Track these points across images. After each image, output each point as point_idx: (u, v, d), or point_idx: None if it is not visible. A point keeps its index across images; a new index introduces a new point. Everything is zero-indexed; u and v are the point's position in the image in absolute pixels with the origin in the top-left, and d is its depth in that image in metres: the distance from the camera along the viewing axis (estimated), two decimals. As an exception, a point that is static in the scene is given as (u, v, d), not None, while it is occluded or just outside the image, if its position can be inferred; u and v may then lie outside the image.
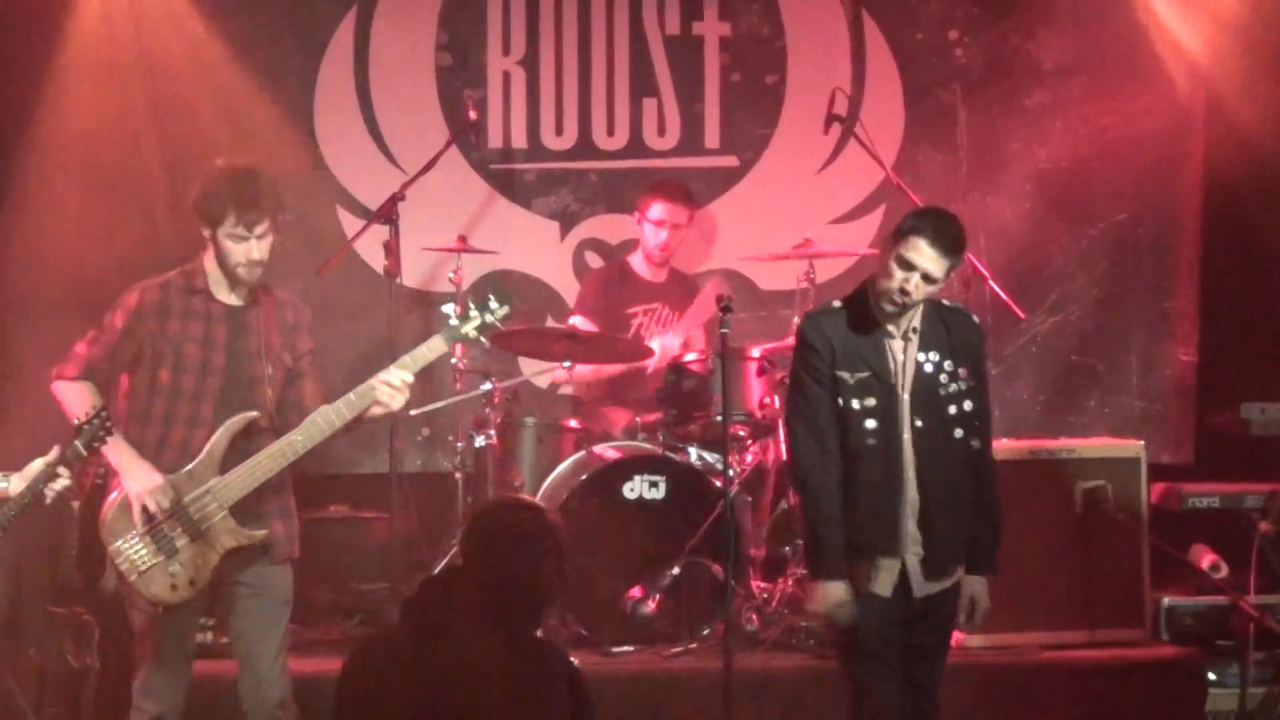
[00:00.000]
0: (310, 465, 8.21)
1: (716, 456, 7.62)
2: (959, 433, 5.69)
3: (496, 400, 8.01)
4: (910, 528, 5.63)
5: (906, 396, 5.65)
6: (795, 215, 8.80)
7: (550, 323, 8.83)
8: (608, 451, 7.72)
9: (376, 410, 5.77)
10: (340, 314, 8.65)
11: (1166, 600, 7.68)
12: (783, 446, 7.86)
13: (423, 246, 8.37)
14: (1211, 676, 7.51)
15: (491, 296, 5.82)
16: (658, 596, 7.33)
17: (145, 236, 8.28)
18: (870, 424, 5.61)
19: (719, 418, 7.34)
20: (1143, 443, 7.83)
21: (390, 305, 7.79)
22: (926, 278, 5.57)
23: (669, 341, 8.24)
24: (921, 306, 5.69)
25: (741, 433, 7.85)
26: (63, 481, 5.56)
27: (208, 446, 5.71)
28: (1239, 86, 8.57)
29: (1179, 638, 7.64)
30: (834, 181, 9.02)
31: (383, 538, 7.96)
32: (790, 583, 7.66)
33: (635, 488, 7.56)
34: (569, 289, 8.86)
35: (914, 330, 5.68)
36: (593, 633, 7.40)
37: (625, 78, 9.03)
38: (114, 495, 5.77)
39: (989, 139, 8.99)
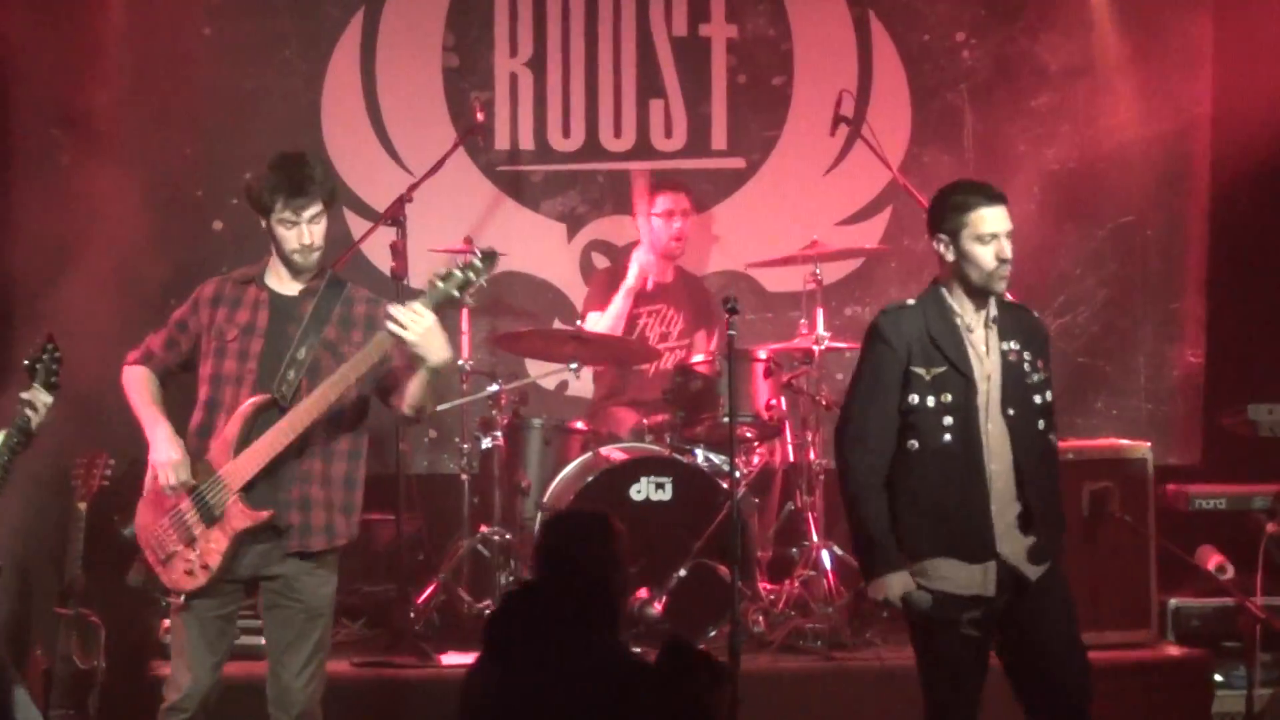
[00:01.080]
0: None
1: (723, 458, 7.62)
2: (1041, 424, 5.60)
3: (503, 402, 8.03)
4: (1008, 519, 5.50)
5: (996, 387, 5.53)
6: (802, 217, 8.80)
7: (557, 324, 8.84)
8: (614, 453, 7.73)
9: (405, 337, 5.49)
10: (347, 315, 8.67)
11: (1173, 601, 7.69)
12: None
13: (430, 248, 8.37)
14: (1218, 678, 7.52)
15: (477, 254, 5.63)
16: (664, 598, 7.33)
17: (147, 233, 8.31)
18: (947, 420, 5.48)
19: (726, 419, 7.35)
20: (1150, 444, 7.83)
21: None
22: (1008, 235, 5.53)
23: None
24: (993, 299, 5.62)
25: (749, 434, 7.86)
26: (36, 415, 5.70)
27: (224, 432, 5.71)
28: (1245, 87, 8.56)
29: (1186, 639, 7.64)
30: (841, 183, 9.02)
31: (390, 539, 7.98)
32: (797, 584, 7.67)
33: (642, 489, 7.56)
34: (576, 291, 8.86)
35: (993, 320, 5.60)
36: (599, 634, 7.40)
37: (632, 79, 9.04)
38: (147, 490, 5.79)
39: (996, 141, 8.99)
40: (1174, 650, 7.58)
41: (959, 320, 5.57)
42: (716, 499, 7.42)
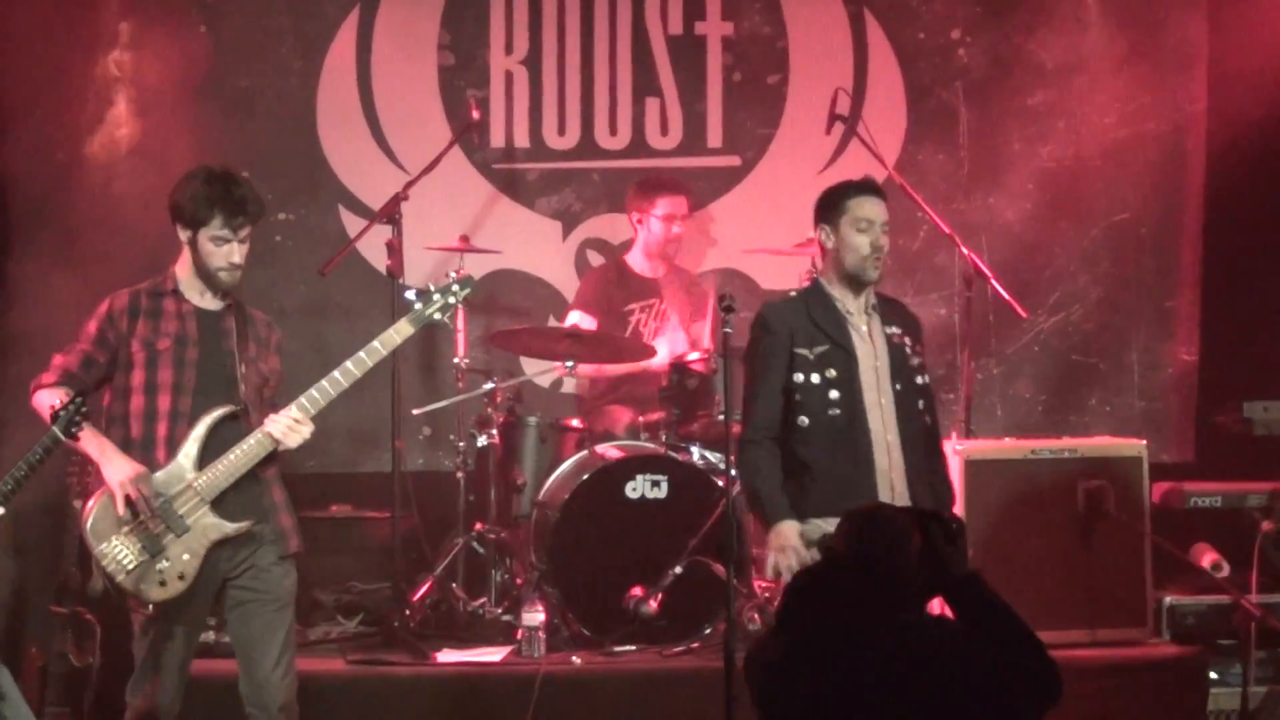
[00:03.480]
0: (312, 465, 8.29)
1: (719, 456, 7.62)
2: (920, 404, 5.93)
3: (498, 399, 8.03)
4: (898, 488, 5.77)
5: (885, 365, 5.85)
6: (797, 215, 8.74)
7: (552, 322, 8.84)
8: (610, 451, 7.73)
9: (287, 444, 5.80)
10: (342, 314, 8.68)
11: (1168, 599, 7.68)
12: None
13: (425, 246, 8.38)
14: (1213, 675, 7.51)
15: (453, 280, 5.99)
16: (659, 596, 7.33)
17: (141, 233, 8.30)
18: (833, 394, 5.80)
19: (721, 417, 7.35)
20: (1144, 442, 7.82)
21: (393, 305, 7.79)
22: (884, 227, 5.88)
23: (675, 344, 8.28)
24: (870, 290, 5.95)
25: (744, 432, 7.85)
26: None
27: (187, 441, 5.72)
28: (1240, 85, 8.57)
29: (1181, 637, 7.63)
30: (836, 181, 8.98)
31: (385, 537, 7.98)
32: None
33: (637, 487, 7.56)
34: (571, 288, 8.86)
35: (873, 307, 5.93)
36: (594, 632, 7.40)
37: (628, 77, 9.04)
38: (95, 498, 5.75)
39: (991, 138, 9.00)
40: (1169, 648, 7.57)
41: (839, 305, 5.89)
42: (712, 497, 7.42)
